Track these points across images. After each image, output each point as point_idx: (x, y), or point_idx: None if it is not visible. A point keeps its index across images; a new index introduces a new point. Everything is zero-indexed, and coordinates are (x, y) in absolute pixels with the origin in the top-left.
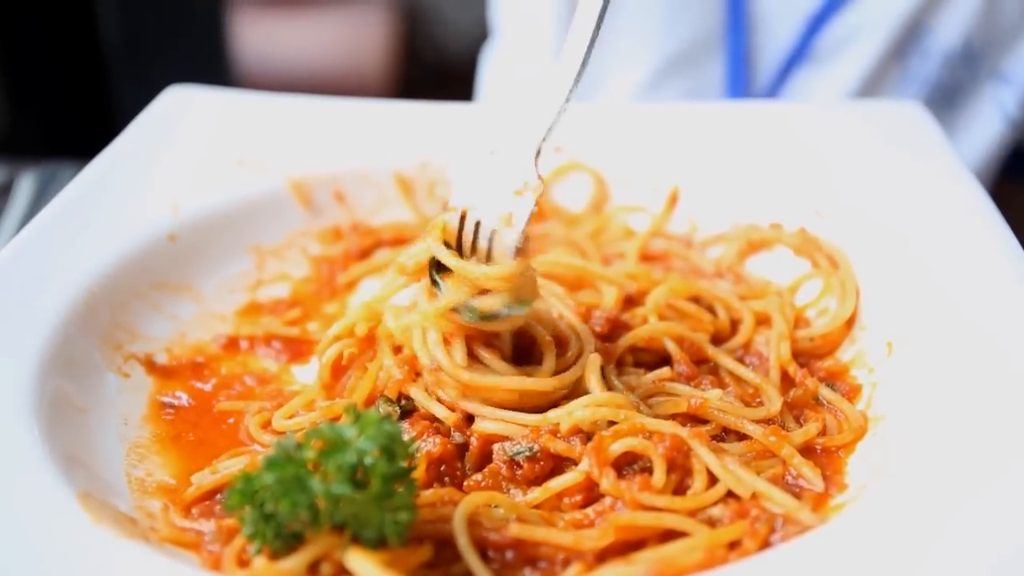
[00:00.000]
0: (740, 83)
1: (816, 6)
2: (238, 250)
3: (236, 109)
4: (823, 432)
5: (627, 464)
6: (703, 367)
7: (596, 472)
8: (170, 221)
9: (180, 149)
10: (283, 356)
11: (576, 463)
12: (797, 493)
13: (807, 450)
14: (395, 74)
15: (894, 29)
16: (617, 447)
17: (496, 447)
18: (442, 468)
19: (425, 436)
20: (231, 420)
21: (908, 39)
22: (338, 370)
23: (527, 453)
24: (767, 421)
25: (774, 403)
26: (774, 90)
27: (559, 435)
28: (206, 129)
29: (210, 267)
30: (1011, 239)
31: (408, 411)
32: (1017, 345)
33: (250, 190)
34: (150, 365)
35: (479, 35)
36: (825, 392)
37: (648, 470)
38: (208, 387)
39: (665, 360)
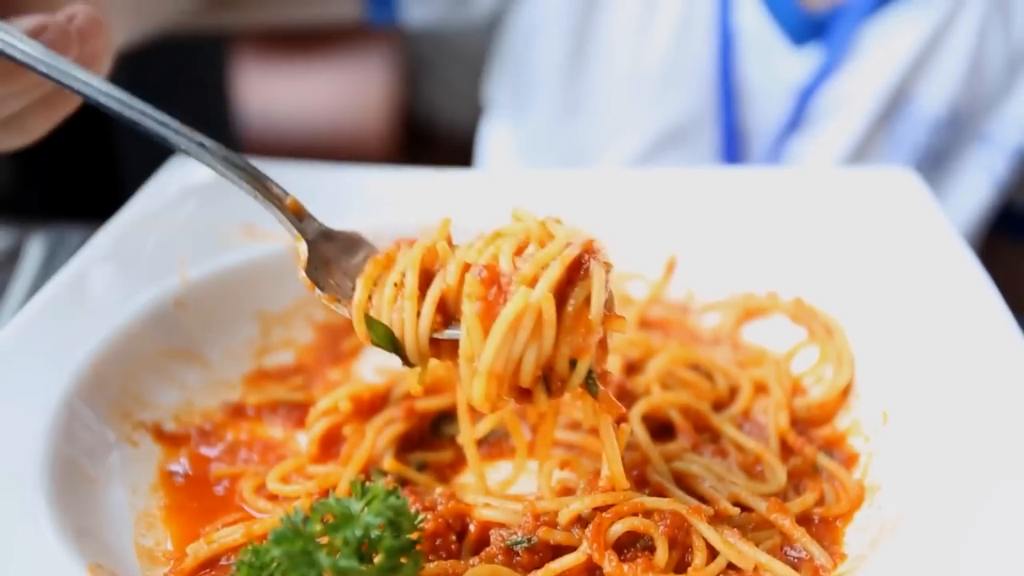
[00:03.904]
0: (734, 156)
1: (805, 78)
2: (244, 317)
3: None
4: (820, 501)
5: (628, 544)
6: (704, 435)
7: (597, 556)
8: (178, 288)
9: (186, 216)
10: (288, 423)
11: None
12: (795, 564)
13: (804, 520)
14: (393, 134)
15: (880, 98)
16: (618, 528)
17: (493, 533)
18: (437, 542)
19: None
20: (239, 487)
21: (894, 107)
22: (327, 444)
23: (525, 544)
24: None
25: (779, 476)
26: (769, 161)
27: (558, 526)
28: (212, 196)
29: (217, 334)
30: (1002, 308)
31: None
32: (1007, 413)
33: (255, 257)
34: (158, 433)
35: (477, 100)
36: (823, 460)
37: (649, 548)
38: (215, 453)
39: (666, 426)
